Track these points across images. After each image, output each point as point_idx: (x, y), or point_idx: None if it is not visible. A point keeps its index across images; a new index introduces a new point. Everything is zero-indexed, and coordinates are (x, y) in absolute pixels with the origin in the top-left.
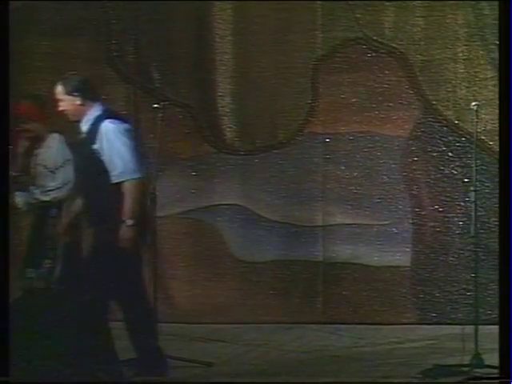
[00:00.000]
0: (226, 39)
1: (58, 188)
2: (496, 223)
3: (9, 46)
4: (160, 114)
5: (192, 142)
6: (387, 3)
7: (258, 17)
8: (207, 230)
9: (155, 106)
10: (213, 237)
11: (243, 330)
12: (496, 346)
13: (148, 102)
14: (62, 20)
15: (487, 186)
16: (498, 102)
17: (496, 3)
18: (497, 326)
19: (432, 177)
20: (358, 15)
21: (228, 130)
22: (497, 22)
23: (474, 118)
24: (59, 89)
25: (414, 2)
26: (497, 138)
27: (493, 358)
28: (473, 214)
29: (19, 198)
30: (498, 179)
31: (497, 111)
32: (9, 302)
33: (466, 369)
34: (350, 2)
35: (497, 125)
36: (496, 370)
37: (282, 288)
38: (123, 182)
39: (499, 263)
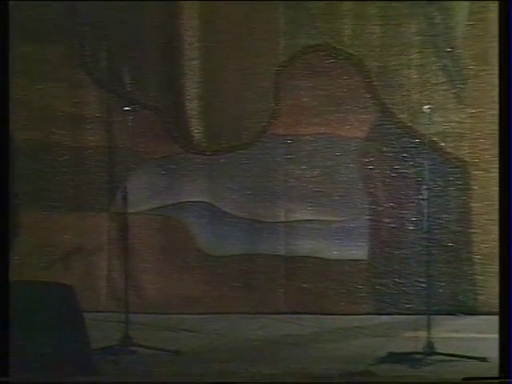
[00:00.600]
0: (193, 46)
1: None
2: (447, 219)
3: (9, 47)
4: (131, 117)
5: (161, 142)
6: (345, 12)
7: (223, 24)
8: (176, 225)
9: (126, 109)
10: (181, 232)
11: (210, 319)
12: (448, 334)
13: (120, 105)
14: (36, 25)
15: (439, 185)
16: (449, 105)
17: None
18: (449, 316)
19: (387, 176)
20: (318, 24)
21: (195, 131)
22: (448, 30)
23: (427, 120)
24: None
25: (371, 12)
26: (447, 139)
27: (444, 346)
28: (425, 210)
29: None
30: (449, 178)
31: (447, 114)
32: (9, 302)
33: (418, 356)
34: (311, 12)
35: (448, 127)
36: (448, 357)
37: (246, 280)
38: None
39: (499, 268)
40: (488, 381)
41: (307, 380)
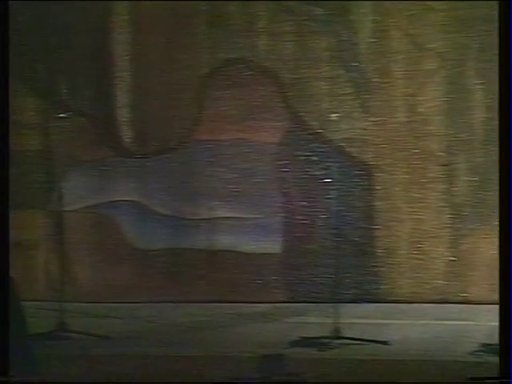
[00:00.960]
0: (123, 58)
1: None
2: (353, 216)
3: (9, 46)
4: (66, 123)
5: (94, 147)
6: (262, 29)
7: (151, 38)
8: (108, 222)
9: (61, 115)
10: (112, 228)
11: (138, 307)
12: (354, 320)
13: (55, 112)
14: None
15: (346, 185)
16: (354, 114)
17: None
18: (354, 304)
19: (299, 177)
20: (236, 39)
21: (125, 136)
22: (354, 46)
23: (335, 127)
24: None
25: (285, 29)
26: (353, 144)
27: (350, 331)
28: (333, 209)
29: None
30: (354, 179)
31: (353, 122)
32: (9, 302)
33: (326, 340)
34: (230, 28)
35: (354, 133)
36: (352, 341)
37: (172, 272)
38: None
39: (499, 269)
40: (488, 381)
41: (226, 361)
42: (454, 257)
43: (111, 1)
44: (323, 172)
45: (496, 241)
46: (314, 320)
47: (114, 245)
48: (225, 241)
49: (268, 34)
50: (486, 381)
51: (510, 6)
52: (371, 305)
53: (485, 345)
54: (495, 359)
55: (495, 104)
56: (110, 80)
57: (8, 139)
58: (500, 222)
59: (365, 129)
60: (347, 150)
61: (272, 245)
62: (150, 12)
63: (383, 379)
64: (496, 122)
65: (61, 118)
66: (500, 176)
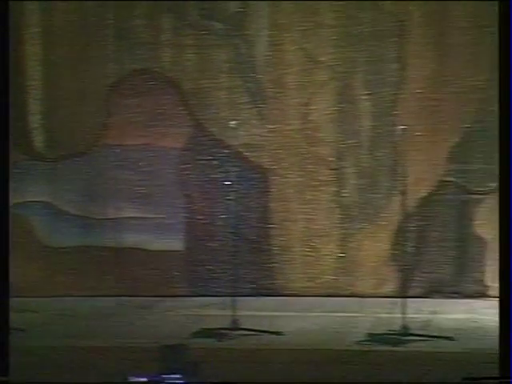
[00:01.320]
0: (36, 68)
1: None
2: (250, 216)
3: (9, 46)
4: None
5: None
6: (165, 42)
7: (62, 49)
8: (21, 221)
9: None
10: (25, 227)
11: (50, 302)
12: (251, 313)
13: None
14: None
15: (244, 188)
16: (252, 121)
17: None
18: (251, 297)
19: (200, 180)
20: (141, 51)
21: (38, 141)
22: (252, 58)
23: (233, 134)
24: None
25: (188, 42)
26: (251, 149)
27: (247, 323)
28: (232, 209)
29: None
30: (251, 182)
31: (251, 129)
32: (9, 302)
33: (225, 331)
34: (136, 41)
35: (251, 139)
36: (249, 332)
37: (81, 268)
38: None
39: (499, 269)
40: (488, 381)
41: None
42: (343, 253)
43: (22, 13)
44: (223, 175)
45: (381, 239)
46: (214, 312)
47: (26, 242)
48: (131, 239)
49: (171, 46)
50: (486, 381)
51: (510, 6)
52: (267, 298)
53: (370, 334)
54: (380, 348)
55: (381, 112)
56: (23, 88)
57: (8, 139)
58: (500, 221)
59: (261, 135)
60: (245, 154)
61: (175, 243)
62: (61, 24)
63: (277, 367)
64: (381, 130)
65: None
66: (500, 176)
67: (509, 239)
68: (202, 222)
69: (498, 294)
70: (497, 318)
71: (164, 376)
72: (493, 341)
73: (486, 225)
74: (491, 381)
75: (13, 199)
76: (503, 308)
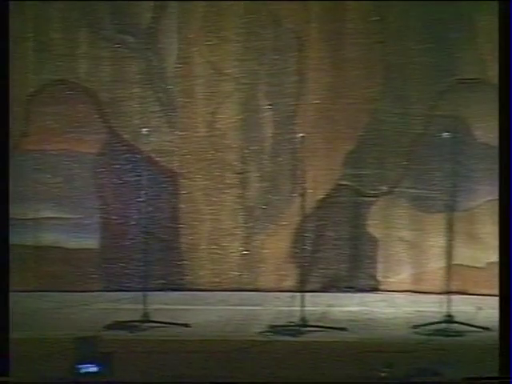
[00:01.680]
0: None
1: None
2: (161, 217)
3: (9, 46)
4: None
5: None
6: (82, 54)
7: None
8: None
9: None
10: None
11: None
12: (161, 306)
13: None
14: None
15: (155, 190)
16: (162, 129)
17: None
18: (161, 292)
19: (114, 183)
20: (59, 63)
21: None
22: (162, 70)
23: (145, 140)
24: None
25: (103, 54)
26: (161, 154)
27: (157, 316)
28: (144, 210)
29: None
30: (162, 185)
31: (161, 135)
32: (9, 302)
33: (136, 324)
34: (54, 53)
35: (162, 145)
36: (160, 324)
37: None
38: None
39: (499, 273)
40: (488, 381)
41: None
42: (247, 251)
43: None
44: (135, 178)
45: (282, 238)
46: (127, 306)
47: None
48: (50, 238)
49: (88, 58)
50: (485, 381)
51: (510, 6)
52: (176, 293)
53: (271, 326)
54: (281, 338)
55: (282, 121)
56: None
57: (8, 140)
58: (500, 221)
59: (171, 141)
60: (156, 159)
61: (91, 241)
62: None
63: (184, 356)
64: (282, 137)
65: None
66: (500, 177)
67: (509, 239)
68: (115, 221)
69: (388, 288)
70: (386, 310)
71: (79, 366)
72: (382, 330)
73: (378, 225)
74: (491, 381)
75: None
76: (503, 308)
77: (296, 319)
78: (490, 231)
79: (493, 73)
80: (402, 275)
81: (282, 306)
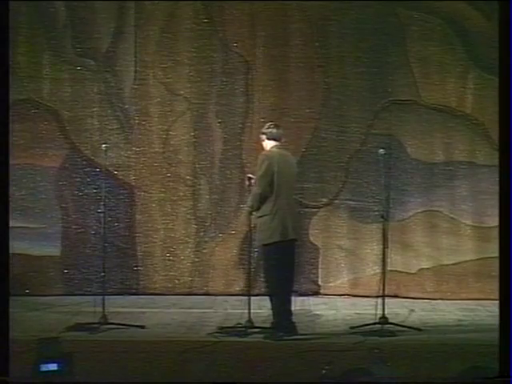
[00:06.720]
0: None
1: None
2: (119, 226)
3: (9, 46)
4: None
5: None
6: (46, 75)
7: None
8: None
9: None
10: None
11: None
12: (119, 309)
13: None
14: None
15: (113, 202)
16: (120, 145)
17: None
18: (119, 296)
19: (75, 195)
20: (24, 84)
21: None
22: (120, 91)
23: (104, 155)
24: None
25: (65, 76)
26: (119, 168)
27: (115, 318)
28: (102, 220)
29: None
30: (120, 197)
31: (119, 151)
32: (8, 304)
33: (95, 325)
34: (19, 75)
35: (120, 160)
36: (117, 326)
37: None
38: None
39: (499, 273)
40: (488, 381)
41: None
42: (198, 258)
43: None
44: (95, 191)
45: (230, 246)
46: (86, 309)
47: None
48: (15, 246)
49: (51, 79)
50: (487, 381)
51: (510, 6)
52: (133, 297)
53: (220, 327)
54: (229, 338)
55: (231, 138)
56: None
57: (8, 141)
58: (500, 222)
59: (128, 157)
60: (114, 173)
61: (53, 249)
62: None
63: (139, 355)
64: (230, 153)
65: None
66: (500, 177)
67: (509, 239)
68: (76, 231)
69: (328, 292)
70: (326, 312)
71: (41, 365)
72: (323, 331)
73: (319, 233)
74: (491, 381)
75: None
76: (503, 308)
77: (243, 321)
78: (421, 240)
79: (425, 94)
80: (341, 280)
81: (230, 309)
